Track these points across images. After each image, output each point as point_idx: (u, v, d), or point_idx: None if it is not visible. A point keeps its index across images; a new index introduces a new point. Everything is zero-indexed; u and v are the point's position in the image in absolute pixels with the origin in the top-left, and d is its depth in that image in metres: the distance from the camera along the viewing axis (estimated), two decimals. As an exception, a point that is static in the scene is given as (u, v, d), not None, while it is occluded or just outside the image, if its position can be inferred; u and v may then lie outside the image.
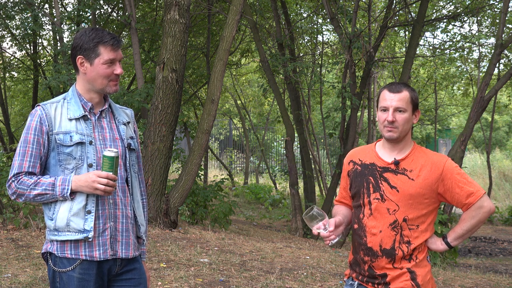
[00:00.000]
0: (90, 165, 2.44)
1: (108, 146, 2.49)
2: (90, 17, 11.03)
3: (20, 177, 2.40)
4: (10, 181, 2.41)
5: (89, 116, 2.49)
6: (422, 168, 2.53)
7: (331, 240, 2.53)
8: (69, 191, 2.37)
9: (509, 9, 11.66)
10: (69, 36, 12.75)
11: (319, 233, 2.52)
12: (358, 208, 2.63)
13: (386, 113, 2.52)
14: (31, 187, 2.38)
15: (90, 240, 2.41)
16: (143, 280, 2.59)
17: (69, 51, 9.99)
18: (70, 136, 2.43)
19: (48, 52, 15.78)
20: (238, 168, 24.52)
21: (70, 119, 2.45)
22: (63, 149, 2.42)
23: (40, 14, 11.94)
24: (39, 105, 2.48)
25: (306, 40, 14.67)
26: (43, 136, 2.42)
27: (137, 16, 11.08)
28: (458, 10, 12.95)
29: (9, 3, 12.09)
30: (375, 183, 2.57)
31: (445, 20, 13.30)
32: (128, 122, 2.64)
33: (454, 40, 14.75)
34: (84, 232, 2.40)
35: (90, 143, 2.45)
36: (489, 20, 14.21)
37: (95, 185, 2.34)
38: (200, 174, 11.20)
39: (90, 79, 2.48)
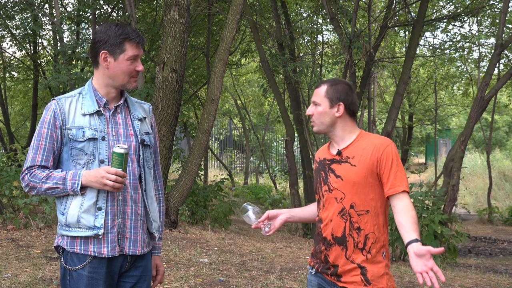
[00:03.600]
0: (102, 161, 2.44)
1: (121, 142, 2.48)
2: (90, 17, 11.03)
3: (33, 170, 2.42)
4: (24, 173, 2.44)
5: (103, 112, 2.49)
6: (363, 152, 2.57)
7: (263, 228, 2.74)
8: (79, 186, 2.38)
9: (509, 9, 11.67)
10: (69, 36, 12.76)
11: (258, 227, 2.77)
12: (318, 202, 2.73)
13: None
14: (42, 180, 2.40)
15: (100, 236, 2.41)
16: (148, 278, 2.60)
17: (69, 51, 10.04)
18: (83, 132, 2.43)
19: (48, 52, 15.79)
20: (238, 168, 24.52)
21: (84, 115, 2.46)
22: (75, 144, 2.43)
23: (40, 14, 11.95)
24: (54, 99, 2.49)
25: (306, 40, 14.66)
26: (56, 131, 2.43)
27: (137, 16, 11.08)
28: (458, 10, 12.95)
29: (9, 3, 12.10)
30: (325, 176, 2.65)
31: (445, 20, 13.30)
32: (145, 118, 2.62)
33: (454, 40, 14.75)
34: (95, 229, 2.40)
35: (103, 138, 2.45)
36: (489, 20, 14.21)
37: (104, 181, 2.35)
38: (200, 174, 11.21)
39: (112, 74, 2.47)
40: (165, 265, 5.71)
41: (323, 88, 2.64)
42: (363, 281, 2.53)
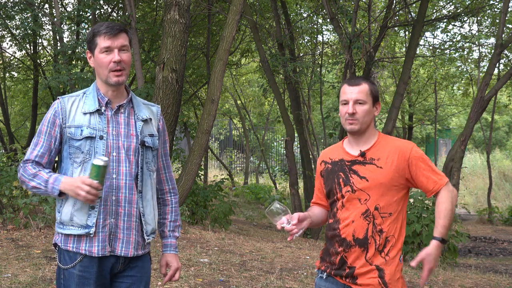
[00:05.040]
0: None
1: (121, 142, 2.48)
2: (90, 17, 11.03)
3: (27, 164, 2.46)
4: (20, 165, 2.49)
5: (104, 111, 2.49)
6: (389, 155, 2.57)
7: (294, 234, 2.54)
8: (57, 191, 2.40)
9: (509, 9, 11.67)
10: (69, 36, 12.76)
11: (283, 227, 2.53)
12: (333, 204, 2.67)
13: (347, 106, 2.59)
14: (30, 177, 2.44)
15: (91, 235, 2.42)
16: (144, 279, 2.57)
17: (69, 51, 10.04)
18: (81, 130, 2.45)
19: (48, 52, 15.79)
20: (238, 168, 24.52)
21: (85, 113, 2.47)
22: (73, 143, 2.45)
23: (40, 14, 11.95)
24: (58, 98, 2.53)
25: (306, 40, 14.67)
26: (55, 129, 2.47)
27: (137, 16, 11.07)
28: (458, 10, 12.95)
29: (9, 3, 12.09)
30: (345, 177, 2.61)
31: (445, 20, 13.30)
32: (150, 119, 2.59)
33: (454, 40, 14.75)
34: (87, 227, 2.42)
35: (101, 137, 2.45)
36: (489, 20, 14.21)
37: (77, 191, 2.33)
38: (200, 174, 11.21)
39: (96, 71, 2.51)
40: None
41: (366, 86, 2.59)
42: (381, 284, 2.52)
